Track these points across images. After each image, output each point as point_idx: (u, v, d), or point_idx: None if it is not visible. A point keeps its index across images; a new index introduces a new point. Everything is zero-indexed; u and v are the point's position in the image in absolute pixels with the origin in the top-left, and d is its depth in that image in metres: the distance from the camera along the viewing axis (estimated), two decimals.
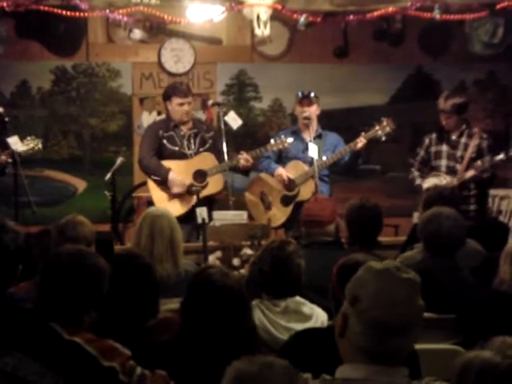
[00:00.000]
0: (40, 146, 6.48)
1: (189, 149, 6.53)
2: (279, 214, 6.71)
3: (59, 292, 2.80)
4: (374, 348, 2.13)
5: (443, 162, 6.73)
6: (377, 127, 6.56)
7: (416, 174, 6.79)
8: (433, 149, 6.78)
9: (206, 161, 6.50)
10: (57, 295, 2.80)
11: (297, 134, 6.80)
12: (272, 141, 6.58)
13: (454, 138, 6.71)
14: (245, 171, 6.55)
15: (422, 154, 6.82)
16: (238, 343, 2.81)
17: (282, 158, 6.81)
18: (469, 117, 6.96)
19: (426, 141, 6.82)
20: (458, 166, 6.66)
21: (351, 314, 2.17)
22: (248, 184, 6.94)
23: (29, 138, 6.43)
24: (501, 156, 6.50)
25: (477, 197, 6.68)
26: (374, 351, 2.13)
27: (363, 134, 6.55)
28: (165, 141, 6.51)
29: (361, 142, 6.49)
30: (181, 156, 6.50)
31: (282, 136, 6.61)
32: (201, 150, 6.54)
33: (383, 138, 6.63)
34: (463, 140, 6.70)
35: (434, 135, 6.80)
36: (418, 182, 6.73)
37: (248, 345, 2.85)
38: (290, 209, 6.66)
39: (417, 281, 2.19)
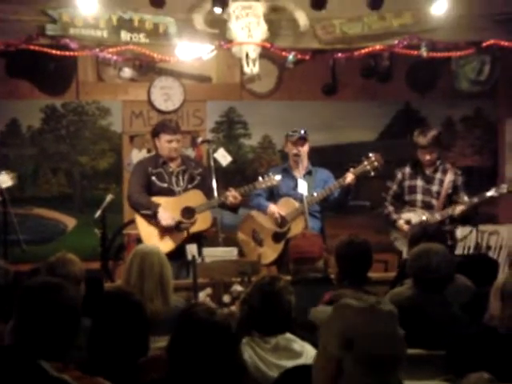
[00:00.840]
0: (15, 180, 6.47)
1: (177, 185, 6.54)
2: (270, 251, 6.71)
3: (35, 324, 2.78)
4: None
5: (419, 197, 6.76)
6: (365, 162, 6.59)
7: (391, 209, 6.83)
8: (407, 183, 6.82)
9: (194, 198, 6.50)
10: (33, 328, 2.78)
11: (287, 171, 6.83)
12: (260, 178, 6.59)
13: (428, 173, 6.76)
14: (233, 208, 6.55)
15: (395, 188, 6.86)
16: (227, 381, 2.79)
17: (273, 194, 6.83)
18: (457, 152, 7.01)
19: (399, 175, 6.86)
20: (434, 201, 6.70)
21: (346, 358, 2.14)
22: (239, 222, 6.96)
23: (3, 172, 6.42)
24: (492, 192, 6.54)
25: (451, 232, 6.71)
26: None
27: (352, 169, 6.58)
28: (154, 177, 6.52)
29: (349, 177, 6.52)
30: (169, 193, 6.51)
31: (270, 173, 6.63)
32: (189, 186, 6.55)
33: (372, 174, 6.66)
34: (438, 175, 6.76)
35: (407, 169, 6.84)
36: (394, 217, 6.77)
37: (237, 382, 2.83)
38: (281, 245, 6.67)
39: (395, 311, 2.22)
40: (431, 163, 6.74)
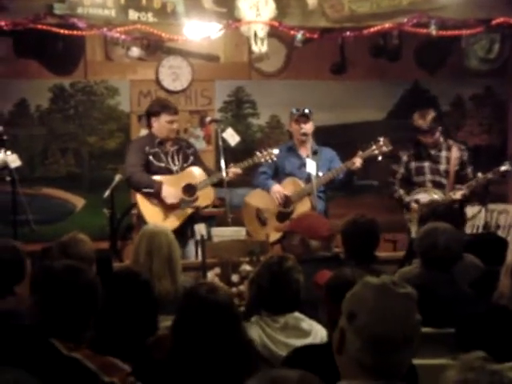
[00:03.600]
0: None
1: (174, 165, 6.54)
2: (274, 231, 6.71)
3: (55, 307, 2.80)
4: (374, 363, 2.12)
5: (428, 178, 6.73)
6: (373, 147, 6.58)
7: (401, 191, 6.78)
8: (413, 165, 6.78)
9: (195, 174, 6.51)
10: (53, 310, 2.80)
11: (293, 150, 6.83)
12: (258, 153, 6.61)
13: (433, 152, 6.73)
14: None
15: (402, 171, 6.81)
16: (232, 359, 2.80)
17: (278, 174, 6.82)
18: (466, 131, 6.99)
19: (404, 157, 6.80)
20: (444, 180, 6.69)
21: (348, 330, 2.15)
22: (243, 202, 6.96)
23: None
24: (506, 166, 6.53)
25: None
26: (373, 367, 2.12)
27: (360, 153, 6.57)
28: (151, 157, 6.50)
29: (357, 161, 6.50)
30: (167, 172, 6.51)
31: (268, 148, 6.63)
32: (185, 165, 6.56)
33: (380, 158, 6.64)
34: (443, 154, 6.74)
35: (411, 151, 6.79)
36: (407, 199, 6.72)
37: (243, 360, 2.84)
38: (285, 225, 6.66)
39: (414, 295, 2.19)
40: (435, 144, 6.72)
